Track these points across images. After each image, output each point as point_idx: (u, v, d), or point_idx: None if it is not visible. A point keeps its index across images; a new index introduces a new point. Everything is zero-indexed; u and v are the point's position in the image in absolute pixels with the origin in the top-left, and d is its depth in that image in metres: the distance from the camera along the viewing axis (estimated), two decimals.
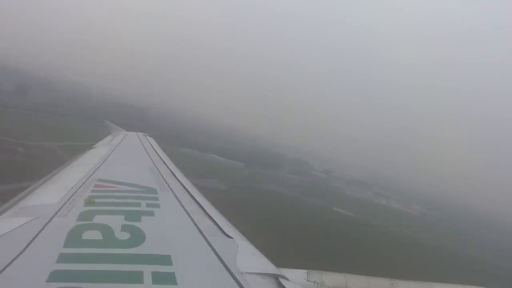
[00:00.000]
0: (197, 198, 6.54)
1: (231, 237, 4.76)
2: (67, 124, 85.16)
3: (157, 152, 11.52)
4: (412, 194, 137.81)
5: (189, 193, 6.90)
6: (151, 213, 5.25)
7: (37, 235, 4.03)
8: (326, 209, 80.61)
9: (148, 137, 14.73)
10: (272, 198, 76.76)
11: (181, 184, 7.56)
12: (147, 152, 11.36)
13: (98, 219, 4.69)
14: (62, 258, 3.52)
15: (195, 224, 5.10)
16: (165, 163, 9.72)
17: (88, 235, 4.18)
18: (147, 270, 3.45)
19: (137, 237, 4.25)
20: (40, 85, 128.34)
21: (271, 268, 4.21)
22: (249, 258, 4.24)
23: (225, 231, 4.96)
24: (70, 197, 5.58)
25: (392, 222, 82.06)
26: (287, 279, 4.12)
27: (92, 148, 11.30)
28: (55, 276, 3.16)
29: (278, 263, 4.42)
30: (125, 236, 4.25)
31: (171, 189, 6.91)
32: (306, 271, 5.08)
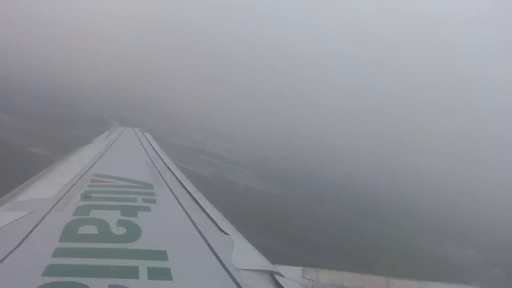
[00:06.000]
0: (193, 194, 6.54)
1: (227, 234, 4.77)
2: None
3: (153, 148, 11.52)
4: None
5: (185, 188, 6.91)
6: (147, 209, 5.25)
7: (33, 229, 4.03)
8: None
9: (145, 133, 14.72)
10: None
11: (178, 179, 7.57)
12: (143, 148, 11.36)
13: (94, 214, 4.70)
14: (58, 253, 3.52)
15: (191, 220, 5.10)
16: (161, 159, 9.72)
17: (84, 229, 4.19)
18: (143, 265, 3.45)
19: (133, 232, 4.25)
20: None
21: (266, 264, 4.23)
22: (245, 255, 4.25)
23: (221, 227, 4.97)
24: (67, 191, 5.58)
25: None
26: (282, 275, 4.14)
27: (90, 143, 11.29)
28: (50, 270, 3.16)
29: None
30: (121, 231, 4.25)
31: (168, 185, 6.91)
32: (301, 268, 5.10)
